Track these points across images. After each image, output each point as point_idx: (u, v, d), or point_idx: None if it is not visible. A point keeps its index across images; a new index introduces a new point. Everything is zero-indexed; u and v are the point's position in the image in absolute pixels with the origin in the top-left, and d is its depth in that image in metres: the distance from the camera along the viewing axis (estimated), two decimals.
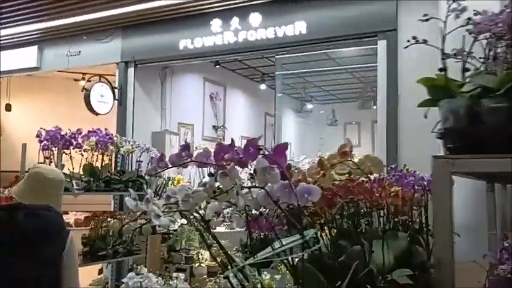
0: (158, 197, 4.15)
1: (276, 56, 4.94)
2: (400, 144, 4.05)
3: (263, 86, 8.83)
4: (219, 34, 5.03)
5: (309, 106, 10.85)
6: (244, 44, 4.89)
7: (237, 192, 1.20)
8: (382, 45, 4.22)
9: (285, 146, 1.30)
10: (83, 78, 6.84)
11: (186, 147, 1.33)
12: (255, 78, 8.92)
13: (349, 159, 1.44)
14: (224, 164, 1.26)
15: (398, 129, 4.08)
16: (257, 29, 4.79)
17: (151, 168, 1.39)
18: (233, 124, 8.27)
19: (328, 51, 5.43)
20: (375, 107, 10.56)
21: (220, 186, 1.25)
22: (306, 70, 6.79)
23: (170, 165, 1.34)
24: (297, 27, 4.58)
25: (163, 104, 6.42)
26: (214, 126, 7.73)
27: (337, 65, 6.92)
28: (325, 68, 6.72)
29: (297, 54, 5.37)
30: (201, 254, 5.76)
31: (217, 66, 7.37)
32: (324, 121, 11.09)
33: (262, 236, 4.23)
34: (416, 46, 4.08)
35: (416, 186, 1.98)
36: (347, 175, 1.49)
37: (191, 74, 7.15)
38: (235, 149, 1.27)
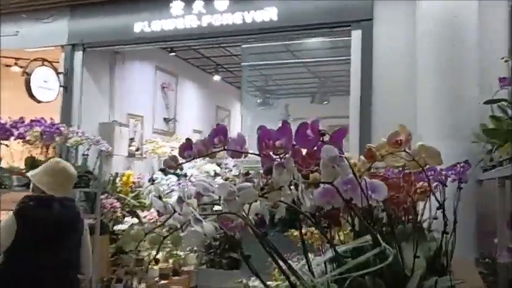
0: (107, 195, 3.63)
1: (243, 46, 4.63)
2: (374, 140, 3.90)
3: (217, 78, 8.48)
4: (180, 17, 4.64)
5: (260, 100, 10.63)
6: (208, 30, 4.54)
7: (300, 189, 0.91)
8: (356, 35, 4.05)
9: (343, 131, 1.03)
10: (16, 64, 6.07)
11: (219, 131, 1.01)
12: (207, 69, 8.54)
13: (404, 149, 1.19)
14: (270, 153, 0.96)
15: (372, 122, 3.93)
16: (223, 13, 4.46)
17: (170, 159, 1.06)
18: (184, 117, 7.85)
19: (296, 42, 5.19)
20: (325, 103, 10.62)
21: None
22: (270, 62, 6.51)
23: (198, 155, 1.03)
24: (267, 13, 4.30)
25: (112, 92, 5.91)
26: (165, 119, 7.27)
27: (295, 58, 6.73)
28: (292, 60, 6.47)
29: (265, 44, 5.08)
30: (153, 256, 5.35)
31: (172, 54, 6.92)
32: (276, 116, 10.93)
33: (225, 237, 3.96)
34: (391, 37, 3.92)
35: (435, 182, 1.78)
36: (400, 168, 1.25)
37: (143, 62, 6.65)
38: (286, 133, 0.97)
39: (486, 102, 2.12)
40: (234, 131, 10.18)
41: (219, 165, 8.41)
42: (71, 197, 2.76)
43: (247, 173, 3.57)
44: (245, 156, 1.05)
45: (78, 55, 5.08)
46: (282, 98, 10.10)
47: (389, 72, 3.91)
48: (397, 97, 3.83)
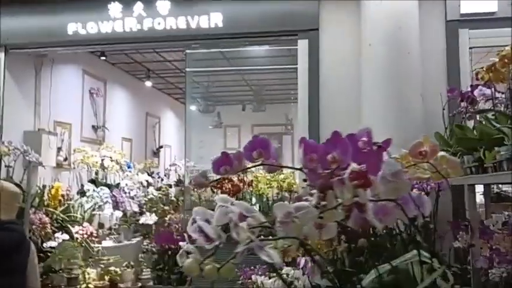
0: (34, 210, 3.32)
1: (187, 51, 4.48)
2: None
3: (148, 84, 8.16)
4: (118, 20, 4.38)
5: (201, 107, 10.44)
6: (150, 34, 4.33)
7: (363, 208, 0.84)
8: (303, 44, 4.09)
9: (389, 141, 0.98)
10: None
11: (258, 143, 0.91)
12: (137, 75, 8.20)
13: (427, 160, 1.17)
14: (318, 166, 0.89)
15: (320, 131, 3.98)
16: (166, 17, 4.29)
17: (200, 176, 0.95)
18: (113, 124, 7.45)
19: (236, 49, 5.13)
20: (253, 111, 10.67)
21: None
22: (214, 69, 6.36)
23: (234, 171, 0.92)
24: (212, 18, 4.20)
25: (38, 98, 5.44)
26: (93, 126, 6.84)
27: (234, 65, 6.67)
28: (233, 68, 6.38)
29: (210, 50, 4.95)
30: (88, 273, 4.97)
31: (102, 58, 6.53)
32: (207, 123, 10.80)
33: (170, 250, 3.77)
34: (337, 47, 4.01)
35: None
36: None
37: (69, 65, 6.20)
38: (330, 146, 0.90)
39: (479, 112, 2.18)
40: (164, 139, 9.88)
41: (150, 175, 8.11)
42: (14, 217, 2.54)
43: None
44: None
45: (0, 57, 4.61)
46: (222, 105, 10.01)
47: (335, 81, 4.00)
48: (344, 106, 3.92)
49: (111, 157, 6.28)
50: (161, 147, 9.44)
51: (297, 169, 0.93)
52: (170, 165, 9.07)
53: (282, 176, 3.84)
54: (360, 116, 3.69)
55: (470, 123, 2.70)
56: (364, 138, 0.88)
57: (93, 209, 5.60)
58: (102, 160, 6.11)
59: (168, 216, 7.62)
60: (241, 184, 3.53)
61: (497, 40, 3.81)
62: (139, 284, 5.64)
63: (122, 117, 7.93)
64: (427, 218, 1.81)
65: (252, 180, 3.62)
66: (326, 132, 3.97)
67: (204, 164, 10.28)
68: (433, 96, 3.56)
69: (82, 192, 5.76)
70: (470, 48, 3.99)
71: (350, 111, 3.80)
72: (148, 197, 6.99)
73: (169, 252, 3.71)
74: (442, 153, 1.23)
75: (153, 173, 8.41)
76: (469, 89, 2.77)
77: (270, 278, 2.32)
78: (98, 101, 6.99)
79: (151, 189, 7.39)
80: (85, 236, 5.05)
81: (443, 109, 3.08)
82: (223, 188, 3.54)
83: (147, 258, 6.06)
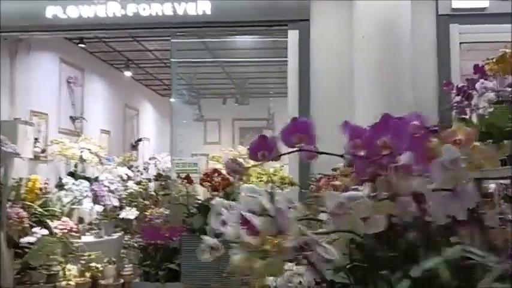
0: (11, 204, 3.10)
1: (172, 40, 4.32)
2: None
3: (128, 74, 7.94)
4: (101, 4, 4.19)
5: (186, 99, 10.24)
6: (134, 19, 4.17)
7: (420, 199, 0.75)
8: (293, 35, 4.00)
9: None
10: None
11: (299, 126, 0.82)
12: (116, 64, 7.96)
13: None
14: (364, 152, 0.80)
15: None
16: (151, 2, 4.13)
17: (233, 163, 0.85)
18: (91, 115, 7.21)
19: (227, 39, 5.00)
20: (236, 105, 10.54)
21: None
22: (199, 59, 6.18)
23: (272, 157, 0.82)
24: (200, 6, 4.06)
25: (13, 86, 5.19)
26: (71, 117, 6.60)
27: (213, 57, 6.53)
28: (219, 59, 6.21)
29: (196, 40, 4.80)
30: (68, 270, 4.79)
31: (81, 46, 6.29)
32: (186, 116, 10.61)
33: (158, 246, 3.64)
34: (328, 38, 3.94)
35: None
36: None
37: (46, 52, 5.95)
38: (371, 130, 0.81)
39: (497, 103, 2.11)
40: (143, 132, 9.65)
41: (129, 168, 7.90)
42: None
43: (187, 177, 3.27)
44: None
45: None
46: (203, 98, 9.84)
47: (326, 73, 3.93)
48: (335, 97, 3.85)
49: (90, 149, 6.06)
50: (140, 140, 9.22)
51: (338, 155, 0.84)
52: (149, 159, 8.87)
53: (271, 170, 3.75)
54: (353, 109, 3.63)
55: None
56: (416, 122, 0.80)
57: (73, 203, 5.40)
58: (81, 152, 5.89)
59: (149, 210, 7.47)
60: (230, 177, 3.42)
61: (488, 36, 3.82)
62: (122, 281, 5.48)
63: (100, 108, 7.70)
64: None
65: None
66: (318, 124, 3.91)
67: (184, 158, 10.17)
68: (424, 89, 3.52)
69: (60, 186, 5.55)
70: (460, 43, 3.98)
71: (342, 104, 3.74)
72: (128, 191, 6.80)
73: (156, 248, 3.58)
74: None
75: (131, 166, 8.20)
76: (465, 83, 2.74)
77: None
78: (76, 91, 6.74)
79: (130, 183, 7.19)
80: (65, 231, 4.85)
81: (440, 104, 3.06)
82: (213, 182, 3.42)
83: (133, 255, 5.92)
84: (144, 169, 8.85)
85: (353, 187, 0.77)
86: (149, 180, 8.32)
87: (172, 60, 4.59)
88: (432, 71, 3.88)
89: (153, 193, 8.01)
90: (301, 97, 3.92)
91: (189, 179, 3.50)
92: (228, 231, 0.80)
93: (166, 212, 7.83)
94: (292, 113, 3.98)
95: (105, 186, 5.87)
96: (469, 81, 2.79)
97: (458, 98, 2.87)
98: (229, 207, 0.88)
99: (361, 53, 3.72)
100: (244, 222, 0.67)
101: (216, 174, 3.47)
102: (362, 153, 0.80)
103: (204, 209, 3.43)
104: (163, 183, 8.63)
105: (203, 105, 10.01)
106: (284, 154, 0.79)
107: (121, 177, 6.92)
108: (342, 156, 0.82)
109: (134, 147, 9.13)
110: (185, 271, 3.39)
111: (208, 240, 0.88)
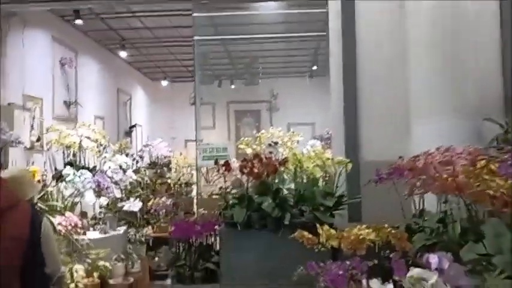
0: None
1: (194, 14, 3.80)
2: (363, 127, 3.46)
3: (123, 54, 7.35)
4: None
5: (165, 83, 9.70)
6: None
7: None
8: (334, 5, 3.56)
9: None
10: None
11: None
12: (110, 45, 7.36)
13: None
14: None
15: (358, 105, 3.50)
16: None
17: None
18: (85, 100, 6.63)
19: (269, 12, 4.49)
20: (233, 87, 10.04)
21: None
22: (225, 37, 5.61)
23: None
24: None
25: (4, 66, 4.60)
26: (65, 102, 6.01)
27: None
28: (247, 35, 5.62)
29: (219, 14, 4.29)
30: (76, 271, 4.30)
31: (78, 22, 5.68)
32: (178, 100, 10.11)
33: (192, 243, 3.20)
34: (374, 10, 3.51)
35: None
36: None
37: (37, 31, 5.34)
38: None
39: None
40: (136, 119, 9.09)
41: (126, 156, 7.37)
42: None
43: (226, 163, 2.71)
44: None
45: None
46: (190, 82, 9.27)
47: (374, 45, 3.51)
48: (386, 73, 3.45)
49: (89, 137, 5.52)
50: (134, 126, 8.67)
51: None
52: (144, 146, 8.34)
53: (312, 153, 3.31)
54: (407, 84, 3.22)
55: None
56: None
57: (74, 196, 4.88)
58: (81, 140, 5.35)
59: (151, 201, 6.99)
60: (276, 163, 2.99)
61: None
62: (132, 279, 5.02)
63: (94, 93, 7.12)
64: None
65: (286, 158, 3.07)
66: (367, 105, 3.52)
67: (177, 145, 9.67)
68: (487, 57, 3.15)
69: (59, 177, 5.00)
70: None
71: (394, 79, 3.33)
72: (129, 181, 6.29)
73: (187, 246, 3.15)
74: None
75: (127, 154, 7.67)
76: None
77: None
78: (69, 73, 6.15)
79: (129, 172, 6.68)
80: (69, 227, 4.35)
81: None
82: (253, 170, 2.98)
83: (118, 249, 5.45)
84: (140, 157, 8.33)
85: None
86: (148, 167, 7.83)
87: (196, 38, 4.08)
88: (495, 35, 3.47)
89: (149, 182, 7.56)
90: (345, 77, 3.50)
91: (228, 166, 3.04)
92: None
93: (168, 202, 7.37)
94: (336, 91, 3.57)
95: (109, 177, 5.36)
96: None
97: None
98: None
99: (416, 25, 3.29)
100: None
101: (257, 160, 3.02)
102: None
103: (248, 200, 3.00)
104: (158, 171, 8.16)
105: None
106: None
107: (120, 166, 6.41)
108: None
109: (128, 133, 8.58)
110: (225, 270, 2.94)
111: None
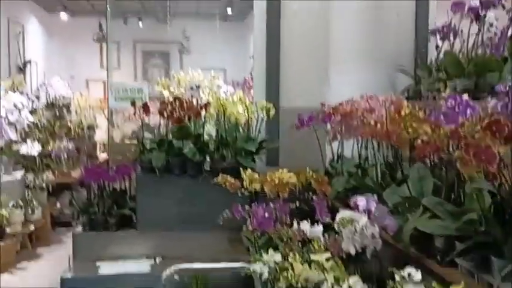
0: None
1: None
2: (283, 70, 3.46)
3: None
4: None
5: (64, 16, 8.81)
6: None
7: None
8: None
9: None
10: None
11: None
12: None
13: None
14: None
15: (281, 50, 3.46)
16: None
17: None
18: None
19: None
20: (140, 24, 9.45)
21: None
22: None
23: None
24: None
25: None
26: None
27: None
28: None
29: None
30: None
31: None
32: (81, 35, 9.31)
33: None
34: None
35: None
36: None
37: None
38: None
39: None
40: (31, 55, 8.20)
41: (21, 94, 6.67)
42: None
43: (145, 105, 2.66)
44: None
45: None
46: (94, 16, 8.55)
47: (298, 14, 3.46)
48: (307, 22, 3.45)
49: None
50: (29, 62, 7.83)
51: None
52: (41, 85, 7.61)
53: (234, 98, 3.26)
54: (328, 31, 3.24)
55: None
56: None
57: None
58: None
59: (51, 144, 6.49)
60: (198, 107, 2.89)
61: None
62: (32, 227, 4.72)
63: None
64: None
65: (207, 103, 2.98)
66: (287, 51, 3.50)
67: (77, 84, 8.97)
68: (404, 13, 3.27)
69: None
70: None
71: (316, 28, 3.34)
72: (26, 122, 5.74)
73: (99, 192, 2.98)
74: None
75: (22, 93, 6.95)
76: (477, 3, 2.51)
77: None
78: None
79: (25, 112, 6.09)
80: None
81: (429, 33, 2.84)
82: (175, 114, 2.86)
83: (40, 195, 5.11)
84: (36, 97, 7.60)
85: None
86: (45, 108, 7.20)
87: None
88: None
89: (45, 123, 7.01)
90: (268, 22, 3.43)
91: (146, 109, 2.87)
92: None
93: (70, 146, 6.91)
94: (258, 41, 3.50)
95: (3, 117, 4.84)
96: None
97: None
98: None
99: None
100: None
101: (178, 103, 2.90)
102: None
103: (167, 145, 2.89)
104: (57, 112, 7.58)
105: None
106: None
107: (15, 105, 5.80)
108: None
109: (21, 70, 7.74)
110: (142, 216, 2.85)
111: None
